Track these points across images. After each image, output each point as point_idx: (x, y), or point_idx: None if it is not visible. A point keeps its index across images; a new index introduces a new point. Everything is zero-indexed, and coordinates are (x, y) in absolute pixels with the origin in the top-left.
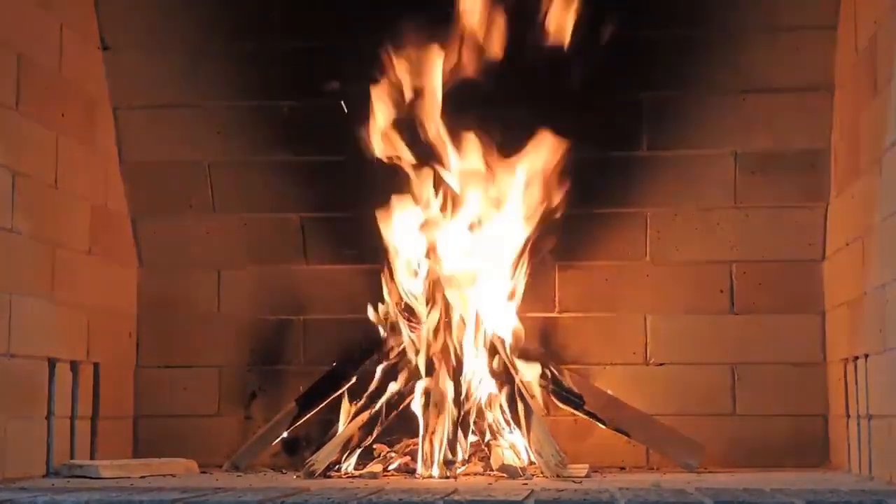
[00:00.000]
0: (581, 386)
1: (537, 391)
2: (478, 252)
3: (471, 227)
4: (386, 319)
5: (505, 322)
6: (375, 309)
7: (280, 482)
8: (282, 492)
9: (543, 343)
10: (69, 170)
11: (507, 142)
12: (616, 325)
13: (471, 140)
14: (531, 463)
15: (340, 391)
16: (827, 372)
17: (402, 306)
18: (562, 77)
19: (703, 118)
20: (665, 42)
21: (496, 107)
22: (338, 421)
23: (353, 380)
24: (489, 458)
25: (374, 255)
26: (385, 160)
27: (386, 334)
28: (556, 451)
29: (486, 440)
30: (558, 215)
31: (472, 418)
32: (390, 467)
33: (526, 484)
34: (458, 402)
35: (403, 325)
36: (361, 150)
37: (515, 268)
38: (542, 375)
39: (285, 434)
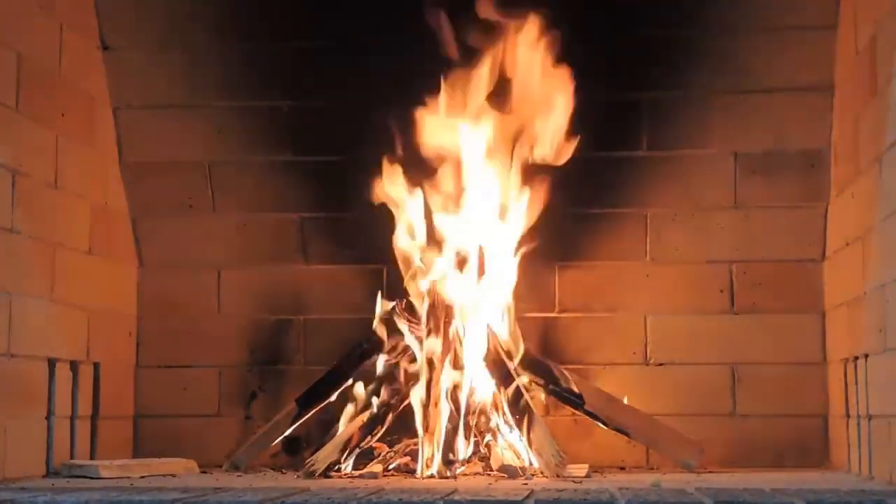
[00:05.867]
0: (581, 386)
1: (537, 391)
2: (477, 251)
3: (470, 227)
4: (387, 319)
5: (505, 322)
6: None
7: (280, 482)
8: (282, 492)
9: (543, 343)
10: (69, 170)
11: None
12: (616, 325)
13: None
14: (531, 463)
15: (340, 391)
16: (827, 372)
17: (403, 305)
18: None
19: (703, 118)
20: (665, 42)
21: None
22: (338, 421)
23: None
24: (489, 458)
25: (374, 255)
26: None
27: (386, 334)
28: (556, 452)
29: (485, 440)
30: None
31: (472, 418)
32: (390, 467)
33: (526, 484)
34: (458, 403)
35: (404, 324)
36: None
37: (515, 267)
38: (542, 375)
39: (286, 434)
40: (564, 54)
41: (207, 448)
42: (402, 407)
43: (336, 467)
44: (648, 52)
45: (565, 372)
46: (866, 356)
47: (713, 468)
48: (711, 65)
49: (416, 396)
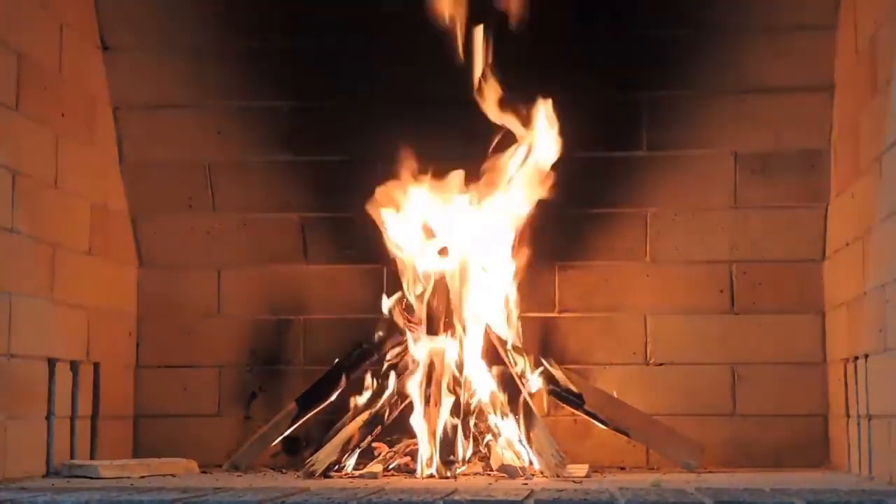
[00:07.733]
0: (581, 386)
1: (537, 390)
2: (477, 251)
3: (469, 226)
4: (390, 318)
5: (505, 322)
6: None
7: (280, 482)
8: (282, 492)
9: (543, 343)
10: (69, 170)
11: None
12: (616, 325)
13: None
14: (531, 463)
15: (340, 391)
16: (827, 372)
17: (404, 305)
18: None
19: (703, 118)
20: (665, 42)
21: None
22: (338, 421)
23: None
24: (489, 458)
25: (374, 255)
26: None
27: (386, 334)
28: (556, 452)
29: (486, 440)
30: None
31: (472, 418)
32: (390, 467)
33: (526, 484)
34: (457, 402)
35: (403, 324)
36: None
37: (514, 266)
38: (542, 375)
39: (286, 434)
40: (564, 54)
41: (207, 448)
42: (402, 407)
43: (336, 467)
44: (648, 52)
45: (565, 371)
46: (866, 356)
47: (713, 468)
48: (711, 65)
49: (416, 396)
